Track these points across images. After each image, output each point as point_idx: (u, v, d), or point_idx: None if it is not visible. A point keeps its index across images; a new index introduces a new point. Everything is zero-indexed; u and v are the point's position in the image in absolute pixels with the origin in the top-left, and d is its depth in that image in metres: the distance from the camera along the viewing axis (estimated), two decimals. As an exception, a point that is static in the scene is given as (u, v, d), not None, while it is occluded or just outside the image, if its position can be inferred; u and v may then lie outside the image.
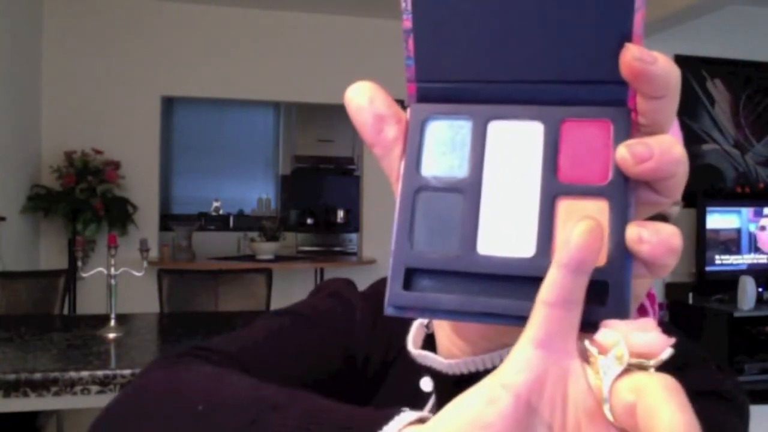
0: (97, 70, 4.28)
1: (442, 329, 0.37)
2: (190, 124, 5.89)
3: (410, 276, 0.27)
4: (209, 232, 5.49)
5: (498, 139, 0.27)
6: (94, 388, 1.63)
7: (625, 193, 0.25)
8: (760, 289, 4.08)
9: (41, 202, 3.90)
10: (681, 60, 4.33)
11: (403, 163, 0.29)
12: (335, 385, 0.53)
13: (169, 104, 5.40)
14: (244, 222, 5.73)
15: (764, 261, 4.29)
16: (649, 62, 0.24)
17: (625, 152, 0.24)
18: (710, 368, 0.49)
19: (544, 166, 0.26)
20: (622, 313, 0.24)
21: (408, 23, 0.28)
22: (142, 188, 4.29)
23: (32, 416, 2.24)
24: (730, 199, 4.41)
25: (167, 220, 4.74)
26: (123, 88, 4.31)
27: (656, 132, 0.25)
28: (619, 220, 0.25)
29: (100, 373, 1.65)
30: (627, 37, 0.25)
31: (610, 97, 0.26)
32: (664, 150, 0.24)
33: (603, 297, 0.24)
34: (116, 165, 4.14)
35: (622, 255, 0.24)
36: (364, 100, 0.29)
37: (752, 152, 4.64)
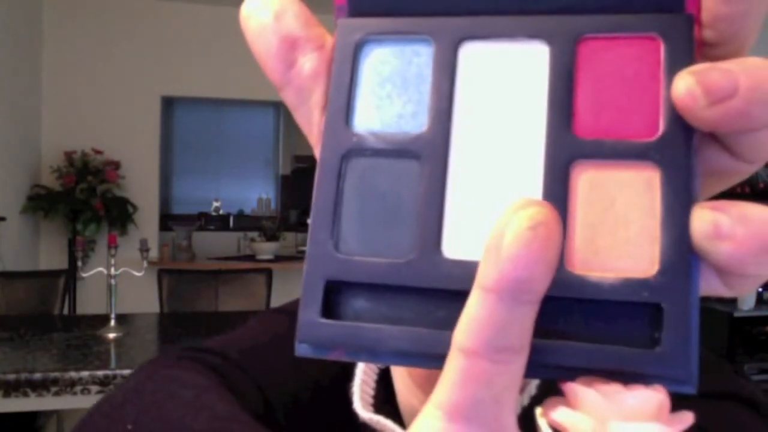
0: (97, 70, 4.28)
1: (399, 374, 0.27)
2: (190, 124, 5.89)
3: (334, 294, 0.16)
4: (209, 232, 5.49)
5: (475, 72, 0.17)
6: (94, 388, 1.63)
7: (686, 154, 0.15)
8: (760, 289, 4.08)
9: (41, 202, 3.90)
10: (681, 60, 4.32)
11: (325, 113, 0.18)
12: (333, 387, 0.51)
13: (169, 104, 5.40)
14: (244, 222, 5.73)
15: (764, 261, 4.28)
16: None
17: (691, 84, 0.14)
18: (728, 372, 0.46)
19: (552, 112, 0.16)
20: (682, 362, 0.14)
21: None
22: (142, 188, 4.29)
23: (32, 416, 2.24)
24: (730, 199, 4.40)
25: (167, 220, 4.74)
26: (123, 88, 4.31)
27: (732, 56, 0.15)
28: (679, 199, 0.15)
29: (100, 373, 1.65)
30: None
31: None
32: (757, 79, 0.13)
33: (650, 331, 0.14)
34: (116, 165, 4.14)
35: (685, 259, 0.14)
36: (268, 17, 0.19)
37: (752, 152, 4.64)
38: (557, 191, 0.15)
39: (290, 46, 0.19)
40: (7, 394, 1.59)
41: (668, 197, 0.15)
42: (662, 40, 0.15)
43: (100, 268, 2.21)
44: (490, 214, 0.16)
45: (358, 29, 0.18)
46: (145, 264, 2.21)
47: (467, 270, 0.15)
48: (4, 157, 3.65)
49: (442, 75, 0.17)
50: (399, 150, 0.17)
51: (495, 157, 0.16)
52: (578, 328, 0.15)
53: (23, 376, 1.61)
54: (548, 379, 0.15)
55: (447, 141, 0.16)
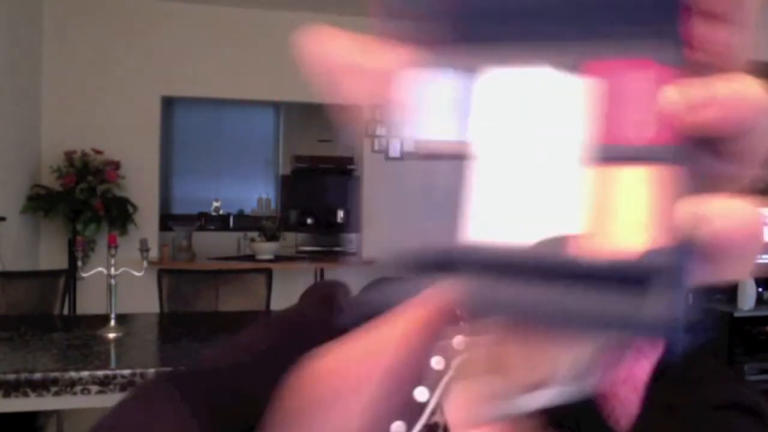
0: (97, 70, 4.28)
1: None
2: (190, 124, 5.89)
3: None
4: (209, 232, 5.49)
5: (509, 92, 0.20)
6: (94, 388, 1.63)
7: (677, 154, 0.17)
8: (760, 289, 4.08)
9: (41, 202, 3.90)
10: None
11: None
12: None
13: (169, 104, 5.40)
14: (244, 222, 5.73)
15: (764, 261, 4.28)
16: None
17: (673, 95, 0.17)
18: (729, 380, 0.44)
19: (569, 124, 0.19)
20: (668, 315, 0.16)
21: None
22: (142, 188, 4.29)
23: (32, 416, 2.24)
24: (730, 199, 4.40)
25: (167, 220, 4.74)
26: (123, 88, 4.31)
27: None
28: (671, 193, 0.17)
29: (100, 373, 1.65)
30: None
31: (649, 18, 0.18)
32: (734, 91, 0.16)
33: (640, 300, 0.17)
34: (116, 165, 4.14)
35: (672, 242, 0.17)
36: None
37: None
38: (573, 187, 0.18)
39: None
40: (7, 394, 1.59)
41: (662, 191, 0.17)
42: (655, 61, 0.18)
43: (100, 268, 2.21)
44: (516, 201, 0.19)
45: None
46: (145, 264, 2.21)
47: (502, 250, 0.19)
48: (4, 157, 3.65)
49: (482, 96, 0.20)
50: (449, 154, 0.21)
51: (521, 158, 0.20)
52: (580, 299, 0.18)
53: (23, 376, 1.61)
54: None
55: (487, 146, 0.20)
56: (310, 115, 5.81)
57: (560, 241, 0.18)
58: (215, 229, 5.61)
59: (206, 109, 5.82)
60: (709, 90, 0.16)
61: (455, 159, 0.20)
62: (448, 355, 0.34)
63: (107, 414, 0.39)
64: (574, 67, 0.19)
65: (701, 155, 0.17)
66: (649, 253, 0.17)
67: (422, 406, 0.40)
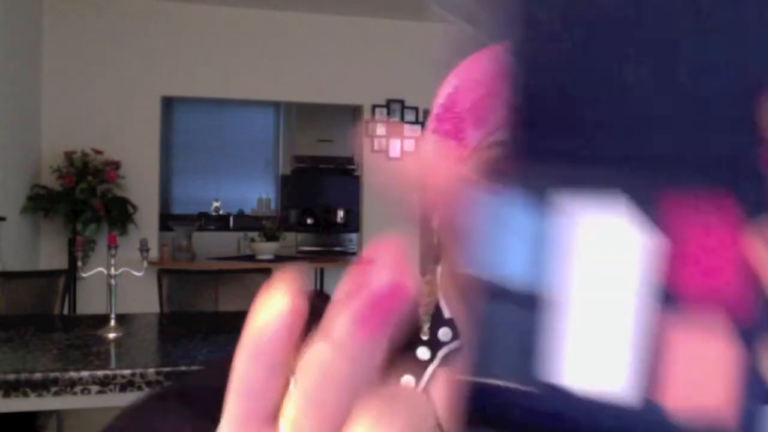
0: (97, 70, 4.28)
1: None
2: (190, 124, 5.89)
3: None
4: (209, 232, 5.49)
5: (583, 226, 0.17)
6: (94, 388, 1.63)
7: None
8: (760, 289, 4.08)
9: (41, 202, 3.90)
10: (681, 60, 4.32)
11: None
12: None
13: (169, 104, 5.40)
14: (244, 222, 5.73)
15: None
16: None
17: None
18: None
19: (642, 278, 0.16)
20: None
21: None
22: (142, 188, 4.29)
23: (32, 416, 2.24)
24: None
25: (167, 220, 4.74)
26: (123, 88, 4.31)
27: None
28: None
29: (100, 373, 1.65)
30: None
31: (729, 151, 0.15)
32: None
33: None
34: (116, 165, 4.14)
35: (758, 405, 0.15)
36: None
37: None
38: (653, 344, 0.16)
39: None
40: (7, 394, 1.59)
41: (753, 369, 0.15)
42: (737, 199, 0.15)
43: (100, 268, 2.21)
44: (596, 351, 0.17)
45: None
46: (145, 264, 2.21)
47: (576, 402, 0.17)
48: (4, 157, 3.65)
49: (559, 230, 0.17)
50: (520, 296, 0.18)
51: (596, 308, 0.17)
52: None
53: (23, 376, 1.61)
54: None
55: (558, 291, 0.17)
56: (310, 115, 5.81)
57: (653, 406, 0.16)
58: (215, 229, 5.61)
59: (206, 109, 5.82)
60: None
61: (526, 301, 0.18)
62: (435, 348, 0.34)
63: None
64: (650, 199, 0.16)
65: None
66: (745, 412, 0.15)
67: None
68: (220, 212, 6.00)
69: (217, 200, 6.05)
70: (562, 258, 0.17)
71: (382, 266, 0.17)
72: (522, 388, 0.17)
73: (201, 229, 5.26)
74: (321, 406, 0.17)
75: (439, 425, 0.17)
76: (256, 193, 6.15)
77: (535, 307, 0.17)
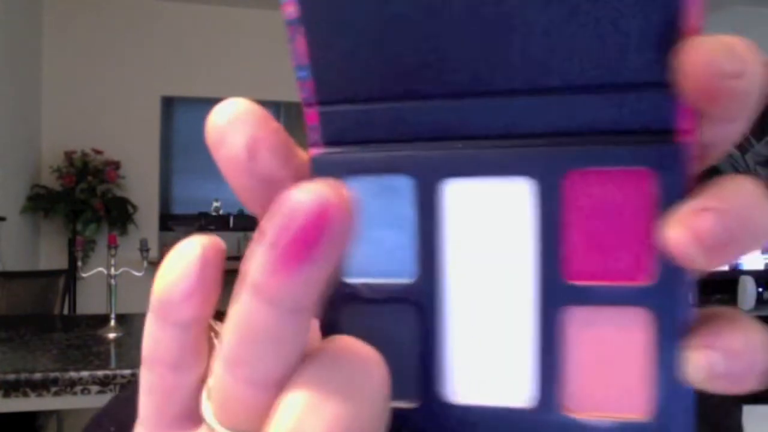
0: (97, 69, 4.28)
1: None
2: (190, 124, 5.89)
3: None
4: (209, 232, 5.49)
5: (459, 212, 0.16)
6: (94, 388, 1.63)
7: (681, 298, 0.14)
8: (760, 289, 4.08)
9: (41, 202, 3.90)
10: (681, 60, 4.32)
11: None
12: None
13: (169, 104, 5.40)
14: (244, 222, 5.73)
15: (764, 261, 4.29)
16: (735, 73, 0.13)
17: (682, 234, 0.13)
18: (737, 418, 0.40)
19: (540, 256, 0.15)
20: None
21: (292, 9, 0.16)
22: (142, 188, 4.29)
23: (32, 416, 2.24)
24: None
25: (167, 220, 4.74)
26: (123, 88, 4.31)
27: (713, 160, 0.15)
28: (673, 342, 0.14)
29: (100, 373, 1.65)
30: (673, 11, 0.13)
31: (645, 118, 0.14)
32: (745, 219, 0.13)
33: None
34: (116, 165, 4.14)
35: (681, 401, 0.14)
36: (241, 152, 0.16)
37: (752, 152, 4.65)
38: (549, 336, 0.15)
39: (268, 186, 0.16)
40: (7, 394, 1.59)
41: (662, 341, 0.14)
42: (652, 174, 0.14)
43: (100, 268, 2.21)
44: (489, 361, 0.16)
45: (335, 168, 0.16)
46: (145, 264, 2.21)
47: (474, 414, 0.16)
48: (4, 157, 3.65)
49: (425, 217, 0.16)
50: (391, 299, 0.16)
51: (485, 304, 0.16)
52: None
53: (23, 376, 1.61)
54: None
55: (438, 288, 0.16)
56: (310, 115, 5.81)
57: (553, 401, 0.15)
58: (215, 229, 5.60)
59: (206, 109, 5.80)
60: (721, 225, 0.13)
61: (405, 301, 0.16)
62: None
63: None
64: (555, 180, 0.15)
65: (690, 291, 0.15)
66: (658, 416, 0.14)
67: None
68: (220, 212, 6.00)
69: (217, 200, 6.04)
70: (446, 251, 0.16)
71: (309, 186, 0.13)
72: (405, 405, 0.16)
73: (201, 229, 5.25)
74: (245, 366, 0.14)
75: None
76: (256, 193, 6.15)
77: (417, 312, 0.16)
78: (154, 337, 0.15)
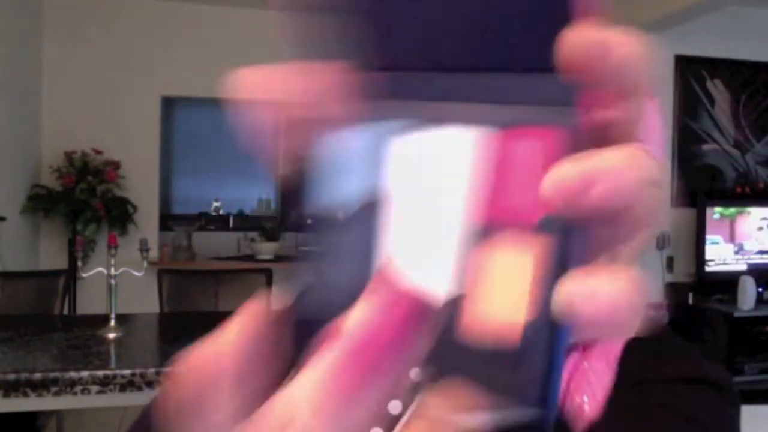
0: (97, 70, 4.28)
1: None
2: (190, 124, 5.89)
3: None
4: (209, 232, 5.48)
5: (406, 156, 0.20)
6: (94, 388, 1.63)
7: (561, 231, 0.17)
8: (760, 289, 4.08)
9: (41, 202, 3.90)
10: (681, 60, 4.33)
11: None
12: None
13: (169, 104, 5.40)
14: (244, 222, 5.72)
15: (764, 261, 4.29)
16: (598, 55, 0.16)
17: (547, 184, 0.17)
18: (696, 356, 0.44)
19: (465, 197, 0.18)
20: (538, 393, 0.17)
21: None
22: (142, 188, 4.29)
23: (32, 416, 2.24)
24: (730, 199, 4.41)
25: (167, 220, 4.74)
26: (123, 88, 4.31)
27: (620, 140, 0.18)
28: (553, 270, 0.17)
29: (100, 373, 1.65)
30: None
31: (557, 92, 0.18)
32: (610, 176, 0.16)
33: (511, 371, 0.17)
34: (116, 165, 4.14)
35: (546, 321, 0.17)
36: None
37: (752, 152, 4.64)
38: (465, 263, 0.18)
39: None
40: (7, 394, 1.59)
41: (546, 267, 0.17)
42: (557, 131, 0.17)
43: (100, 268, 2.21)
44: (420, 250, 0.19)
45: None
46: (145, 264, 2.21)
47: None
48: (4, 157, 3.65)
49: (377, 160, 0.20)
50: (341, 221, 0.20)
51: (421, 214, 0.19)
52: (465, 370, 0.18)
53: (23, 376, 1.61)
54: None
55: (382, 213, 0.20)
56: (310, 115, 5.81)
57: (457, 302, 0.18)
58: (215, 229, 5.60)
59: (206, 109, 5.82)
60: (579, 177, 0.16)
61: (369, 207, 0.20)
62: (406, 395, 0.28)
63: None
64: (485, 132, 0.18)
65: (582, 226, 0.17)
66: (526, 327, 0.17)
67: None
68: (220, 212, 6.00)
69: (217, 200, 6.04)
70: (397, 175, 0.20)
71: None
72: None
73: (201, 229, 5.25)
74: None
75: None
76: (256, 193, 6.14)
77: (372, 222, 0.20)
78: None
